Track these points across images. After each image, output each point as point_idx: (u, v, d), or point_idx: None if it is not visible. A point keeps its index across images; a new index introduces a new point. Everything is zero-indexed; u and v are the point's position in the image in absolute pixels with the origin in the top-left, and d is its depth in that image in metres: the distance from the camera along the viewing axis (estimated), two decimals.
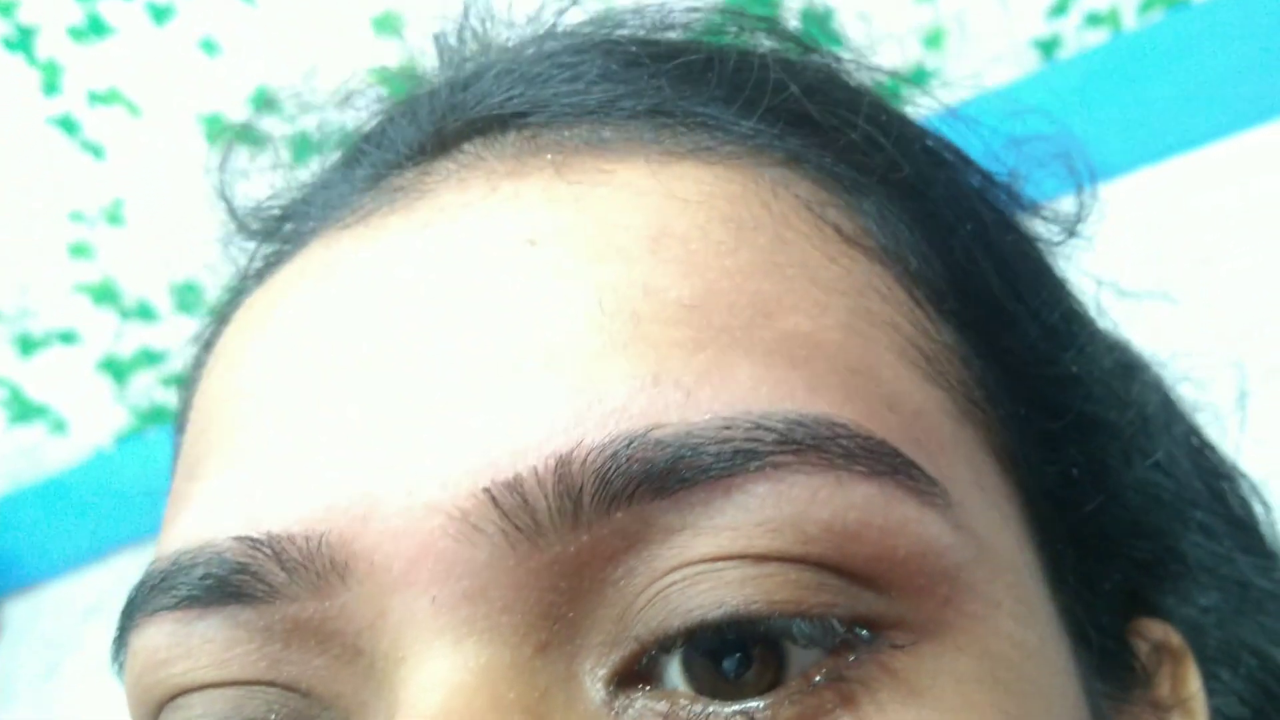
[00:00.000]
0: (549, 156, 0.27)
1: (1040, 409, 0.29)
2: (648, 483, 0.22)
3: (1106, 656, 0.29)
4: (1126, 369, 0.34)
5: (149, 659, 0.25)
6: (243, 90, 1.10)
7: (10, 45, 1.09)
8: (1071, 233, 0.33)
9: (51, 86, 1.11)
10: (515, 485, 0.22)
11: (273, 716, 0.24)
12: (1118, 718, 0.29)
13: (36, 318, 1.23)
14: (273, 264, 0.32)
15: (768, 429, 0.22)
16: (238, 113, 1.09)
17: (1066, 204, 0.34)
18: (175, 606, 0.24)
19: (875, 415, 0.24)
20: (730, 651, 0.22)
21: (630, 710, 0.22)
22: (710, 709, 0.22)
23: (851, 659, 0.22)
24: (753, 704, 0.22)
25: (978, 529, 0.24)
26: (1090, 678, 0.28)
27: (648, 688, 0.22)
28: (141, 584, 0.25)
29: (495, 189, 0.27)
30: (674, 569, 0.22)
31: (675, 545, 0.22)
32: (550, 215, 0.26)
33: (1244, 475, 0.37)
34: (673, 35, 0.32)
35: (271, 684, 0.24)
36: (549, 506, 0.22)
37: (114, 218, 1.17)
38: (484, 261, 0.25)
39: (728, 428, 0.22)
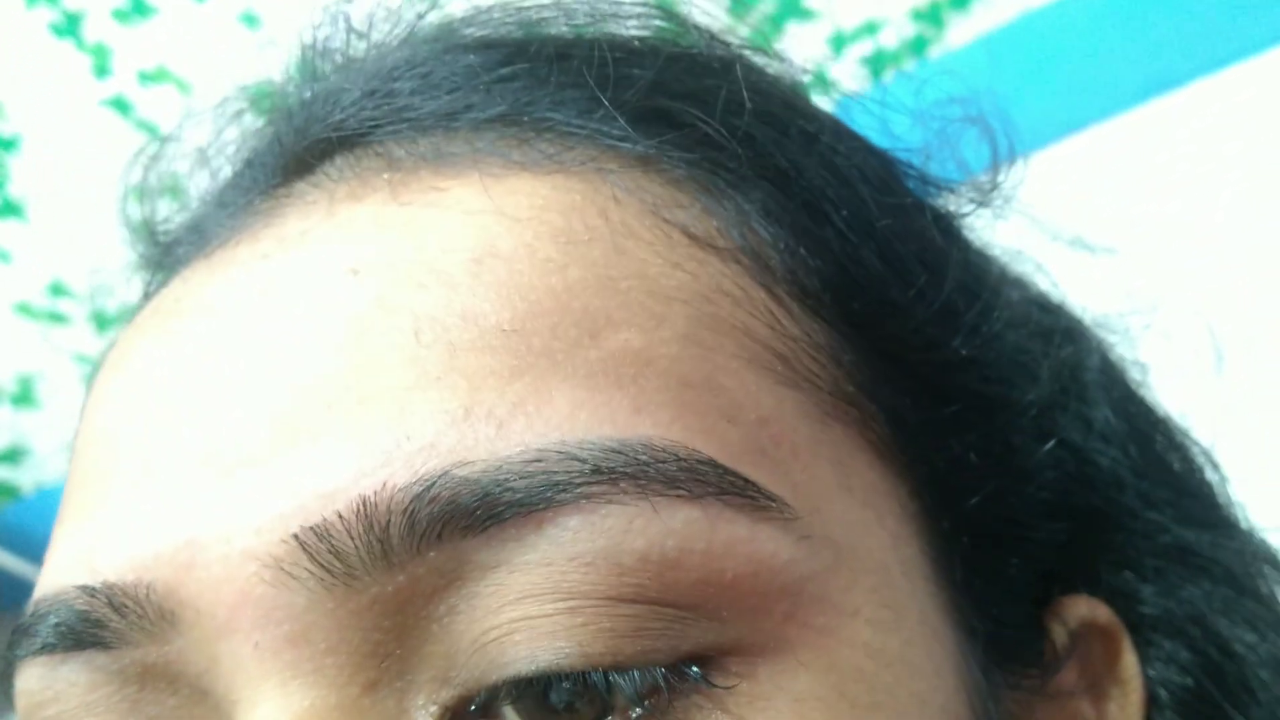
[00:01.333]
0: (386, 176, 0.27)
1: (929, 395, 0.28)
2: (456, 520, 0.21)
3: (1009, 645, 0.28)
4: (1048, 336, 0.33)
5: (28, 700, 0.25)
6: (283, 60, 1.12)
7: (58, 31, 1.12)
8: (982, 203, 0.32)
9: (102, 69, 1.14)
10: (322, 530, 0.22)
11: None
12: (1026, 706, 0.28)
13: (112, 298, 1.28)
14: (151, 295, 0.32)
15: (579, 459, 0.22)
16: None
17: (987, 174, 0.32)
18: (40, 651, 0.25)
19: (709, 430, 0.23)
20: (557, 685, 0.22)
21: None
22: None
23: (673, 697, 0.22)
24: None
25: (836, 535, 0.24)
26: (986, 670, 0.27)
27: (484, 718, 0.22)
28: (17, 627, 0.26)
29: (333, 214, 0.26)
30: (494, 611, 0.22)
31: (492, 582, 0.22)
32: (376, 241, 0.25)
33: (1194, 441, 0.35)
34: (522, 33, 0.31)
35: None
36: (358, 549, 0.22)
37: (174, 192, 1.20)
38: (307, 295, 0.25)
39: (538, 460, 0.22)
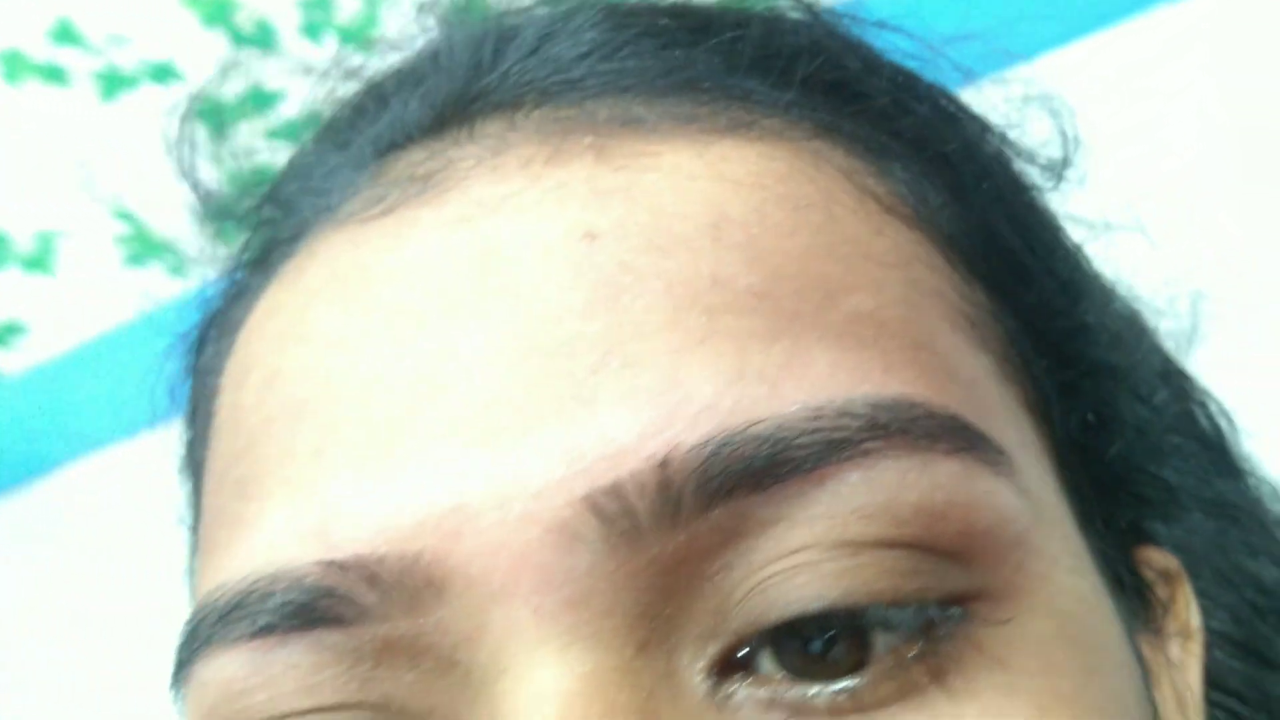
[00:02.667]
0: (587, 140, 0.27)
1: (1059, 360, 0.30)
2: (746, 479, 0.22)
3: (1132, 593, 0.30)
4: (1111, 297, 0.35)
5: (224, 690, 0.24)
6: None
7: None
8: (1060, 178, 0.34)
9: None
10: (615, 491, 0.22)
11: None
12: (1151, 651, 0.30)
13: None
14: (271, 259, 0.31)
15: (853, 415, 0.22)
16: None
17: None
18: (253, 635, 0.23)
19: (943, 389, 0.24)
20: (819, 634, 0.22)
21: (732, 700, 0.22)
22: (811, 691, 0.22)
23: (941, 635, 0.23)
24: (850, 683, 0.22)
25: (1032, 489, 0.25)
26: (1127, 617, 0.28)
27: (745, 675, 0.23)
28: (204, 613, 0.24)
29: (536, 178, 0.26)
30: (771, 561, 0.22)
31: (771, 538, 0.22)
32: (603, 206, 0.25)
33: (1212, 396, 0.38)
34: (698, 2, 0.31)
35: (360, 705, 0.23)
36: (649, 510, 0.22)
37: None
38: (541, 259, 0.24)
39: (816, 418, 0.22)
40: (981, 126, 0.32)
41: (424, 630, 0.23)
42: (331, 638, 0.23)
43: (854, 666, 0.22)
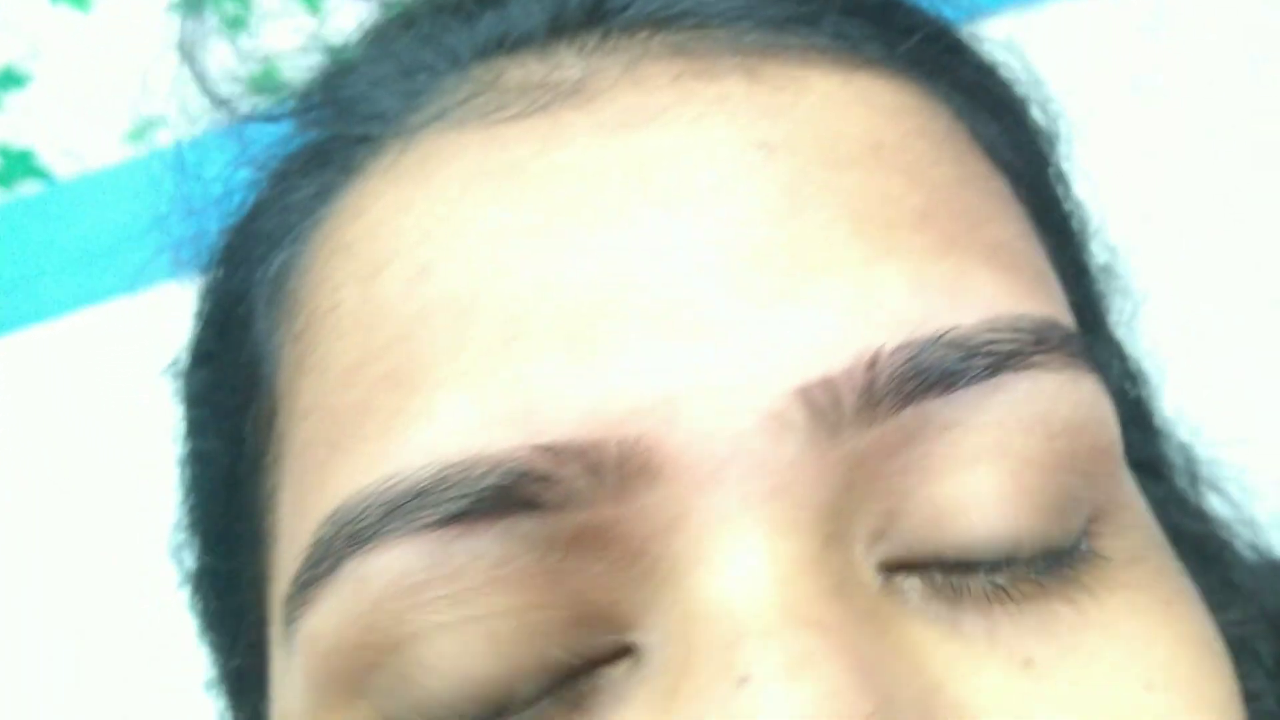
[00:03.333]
0: (735, 59, 0.27)
1: (1079, 307, 0.32)
2: (938, 383, 0.23)
3: None
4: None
5: (393, 586, 0.23)
6: None
7: None
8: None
9: None
10: (826, 385, 0.23)
11: (555, 651, 0.23)
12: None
13: None
14: (348, 157, 0.30)
15: (1022, 330, 0.24)
16: None
17: None
18: (438, 523, 0.23)
19: (1066, 317, 0.27)
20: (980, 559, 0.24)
21: (900, 593, 0.24)
22: (968, 581, 0.24)
23: (1080, 564, 0.25)
24: (1000, 579, 0.24)
25: None
26: None
27: (909, 571, 0.24)
28: (365, 505, 0.23)
29: (690, 92, 0.26)
30: (947, 472, 0.23)
31: (946, 442, 0.23)
32: (772, 122, 0.26)
33: (1128, 352, 0.41)
34: None
35: (544, 605, 0.23)
36: (853, 405, 0.23)
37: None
38: (720, 166, 0.25)
39: (993, 329, 0.24)
40: (1013, 82, 0.35)
41: (623, 518, 0.22)
42: (525, 525, 0.22)
43: (1003, 560, 0.24)
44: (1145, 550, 0.26)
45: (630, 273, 0.24)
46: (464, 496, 0.22)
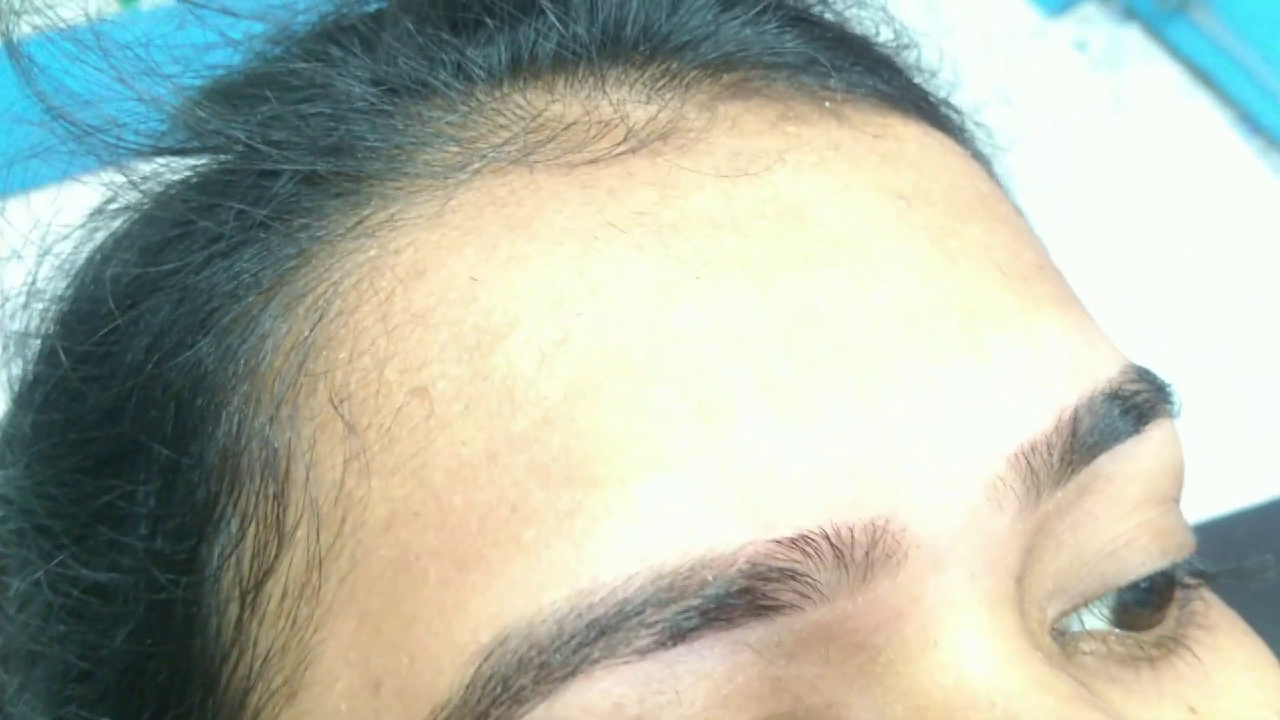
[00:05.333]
0: (824, 104, 0.26)
1: None
2: (1122, 431, 0.23)
3: None
4: None
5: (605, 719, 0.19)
6: None
7: None
8: None
9: None
10: (1036, 448, 0.22)
11: None
12: None
13: None
14: (367, 191, 0.24)
15: (1144, 379, 0.24)
16: None
17: None
18: (658, 644, 0.19)
19: None
20: (1143, 594, 0.24)
21: (1077, 656, 0.23)
22: (1135, 640, 0.24)
23: (1189, 588, 0.26)
24: (1161, 631, 0.24)
25: None
26: None
27: (1078, 633, 0.24)
28: (556, 630, 0.19)
29: (796, 137, 0.25)
30: (1115, 520, 0.23)
31: (1108, 495, 0.23)
32: (894, 169, 0.25)
33: None
34: None
35: (771, 715, 0.21)
36: (1053, 467, 0.22)
37: None
38: (866, 216, 0.23)
39: (1135, 381, 0.24)
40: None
41: (853, 612, 0.21)
42: (754, 634, 0.20)
43: (1154, 617, 0.24)
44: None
45: (814, 327, 0.22)
46: (694, 609, 0.19)
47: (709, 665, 0.19)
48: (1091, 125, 1.18)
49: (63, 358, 0.25)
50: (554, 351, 0.21)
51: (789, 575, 0.20)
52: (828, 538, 0.20)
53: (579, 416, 0.20)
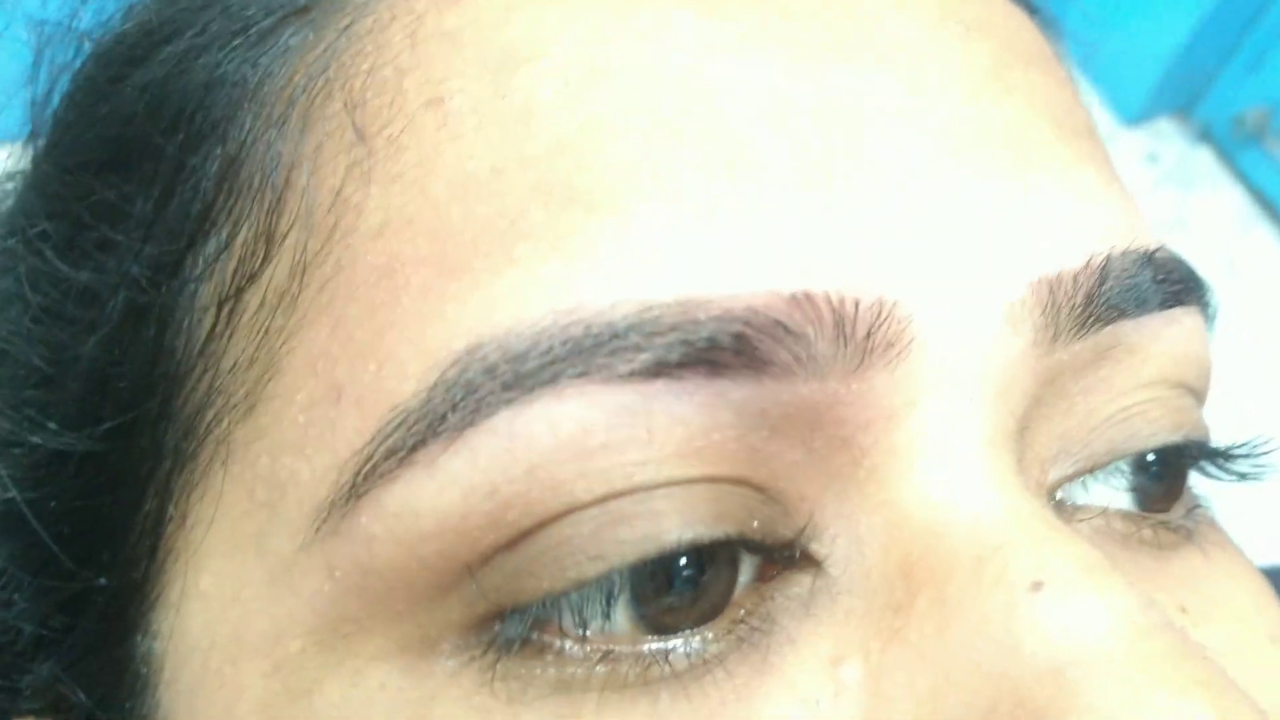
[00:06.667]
0: None
1: None
2: (1150, 300, 0.22)
3: None
4: None
5: (565, 444, 0.18)
6: None
7: None
8: None
9: None
10: (1060, 282, 0.21)
11: (755, 523, 0.19)
12: None
13: None
14: None
15: (1180, 264, 0.23)
16: None
17: None
18: (638, 373, 0.18)
19: None
20: (1154, 473, 0.23)
21: (1073, 524, 0.22)
22: (1140, 520, 0.23)
23: (1197, 505, 0.24)
24: (1165, 518, 0.23)
25: None
26: None
27: (1079, 505, 0.22)
28: (533, 343, 0.18)
29: None
30: (1129, 390, 0.22)
31: (1128, 368, 0.22)
32: (959, 3, 0.24)
33: None
34: None
35: (744, 482, 0.19)
36: (1074, 309, 0.21)
37: None
38: (927, 31, 0.22)
39: (1174, 258, 0.23)
40: None
41: (845, 399, 0.19)
42: (740, 391, 0.19)
43: (1162, 505, 0.23)
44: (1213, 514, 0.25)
45: (853, 116, 0.20)
46: (682, 343, 0.18)
47: (687, 411, 0.18)
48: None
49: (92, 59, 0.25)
50: (580, 80, 0.20)
51: (785, 331, 0.18)
52: (830, 303, 0.19)
53: (592, 147, 0.20)
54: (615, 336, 0.18)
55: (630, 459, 0.18)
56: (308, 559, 0.19)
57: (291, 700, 0.19)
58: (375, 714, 0.18)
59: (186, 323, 0.22)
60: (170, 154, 0.22)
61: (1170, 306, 0.22)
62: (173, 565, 0.21)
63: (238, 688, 0.20)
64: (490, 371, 0.18)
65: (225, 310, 0.21)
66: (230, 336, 0.21)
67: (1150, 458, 0.23)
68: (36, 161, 0.25)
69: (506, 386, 0.18)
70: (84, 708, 0.23)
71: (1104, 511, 0.22)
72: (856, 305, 0.19)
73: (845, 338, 0.19)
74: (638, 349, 0.18)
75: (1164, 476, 0.23)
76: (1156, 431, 0.22)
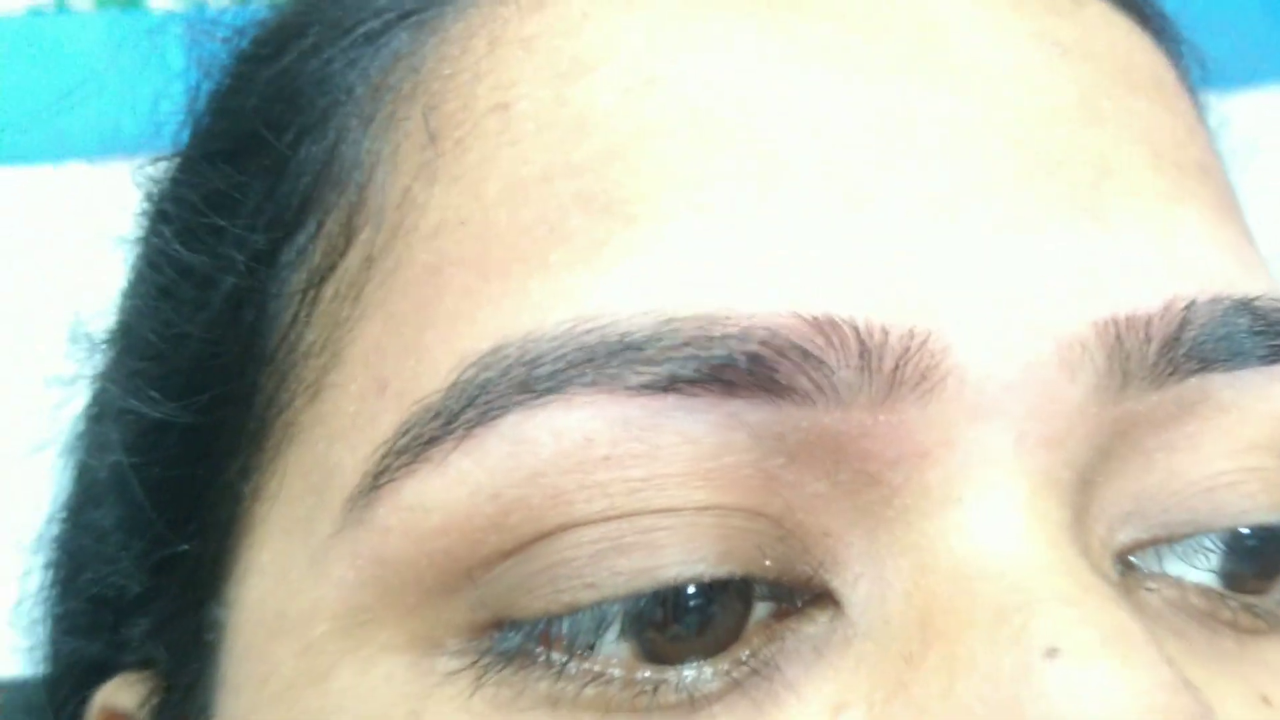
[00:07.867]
0: None
1: None
2: (1247, 353, 0.20)
3: None
4: None
5: (568, 454, 0.18)
6: None
7: None
8: None
9: None
10: (1133, 324, 0.19)
11: (767, 561, 0.19)
12: None
13: None
14: None
15: None
16: None
17: None
18: (648, 387, 0.18)
19: None
20: (1247, 551, 0.21)
21: (1139, 594, 0.21)
22: (1226, 597, 0.21)
23: None
24: (1257, 600, 0.21)
25: None
26: None
27: (1151, 573, 0.21)
28: (549, 348, 0.18)
29: None
30: (1222, 456, 0.21)
31: (1221, 428, 0.21)
32: (1059, 19, 0.23)
33: None
34: None
35: (758, 514, 0.19)
36: (1149, 355, 0.20)
37: None
38: (1012, 50, 0.22)
39: (1276, 308, 0.21)
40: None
41: (874, 431, 0.19)
42: (756, 414, 0.18)
43: (1256, 586, 0.21)
44: None
45: (913, 136, 0.20)
46: (696, 359, 0.18)
47: (699, 430, 0.18)
48: None
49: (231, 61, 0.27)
50: (637, 90, 0.20)
51: (805, 355, 0.18)
52: (856, 330, 0.18)
53: (639, 156, 0.20)
54: (629, 347, 0.18)
55: (633, 475, 0.18)
56: (338, 545, 0.20)
57: (311, 683, 0.20)
58: (376, 704, 0.19)
59: (275, 308, 0.23)
60: (281, 147, 0.24)
61: (1273, 362, 0.20)
62: (244, 538, 0.23)
63: (274, 664, 0.21)
64: (506, 373, 0.18)
65: (308, 298, 0.22)
66: (307, 324, 0.22)
67: (1245, 531, 0.21)
68: (176, 152, 0.28)
69: (519, 389, 0.18)
70: (165, 666, 0.25)
71: (1179, 583, 0.21)
72: (886, 334, 0.18)
73: (871, 368, 0.18)
74: (651, 362, 0.18)
75: (1257, 557, 0.21)
76: (1249, 509, 0.21)
